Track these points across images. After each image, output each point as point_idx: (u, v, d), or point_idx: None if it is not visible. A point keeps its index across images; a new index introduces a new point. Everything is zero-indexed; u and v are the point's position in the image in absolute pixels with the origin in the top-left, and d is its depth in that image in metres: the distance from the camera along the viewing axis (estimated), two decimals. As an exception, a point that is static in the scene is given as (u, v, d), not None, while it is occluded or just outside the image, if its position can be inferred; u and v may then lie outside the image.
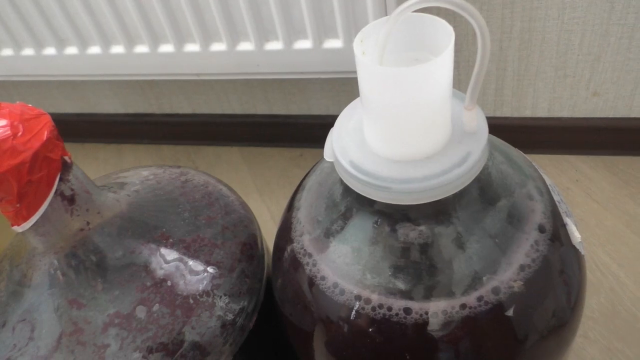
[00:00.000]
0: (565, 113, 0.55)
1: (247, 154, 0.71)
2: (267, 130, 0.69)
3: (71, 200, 0.26)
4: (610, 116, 0.54)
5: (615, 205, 0.53)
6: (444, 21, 0.20)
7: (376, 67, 0.20)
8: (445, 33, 0.20)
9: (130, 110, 0.74)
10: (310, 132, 0.65)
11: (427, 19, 0.21)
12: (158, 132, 0.75)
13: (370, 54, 0.22)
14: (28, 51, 0.55)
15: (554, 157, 0.58)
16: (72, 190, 0.26)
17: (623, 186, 0.54)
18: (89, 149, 0.78)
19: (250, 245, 0.33)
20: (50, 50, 0.55)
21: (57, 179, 0.25)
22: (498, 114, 0.58)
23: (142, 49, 0.51)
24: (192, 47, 0.50)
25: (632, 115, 0.54)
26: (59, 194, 0.26)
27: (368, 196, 0.24)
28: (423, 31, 0.21)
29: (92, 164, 0.75)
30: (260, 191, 0.66)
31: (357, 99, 0.26)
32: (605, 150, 0.57)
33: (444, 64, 0.20)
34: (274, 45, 0.47)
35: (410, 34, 0.22)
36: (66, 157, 0.26)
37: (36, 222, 0.25)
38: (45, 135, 0.24)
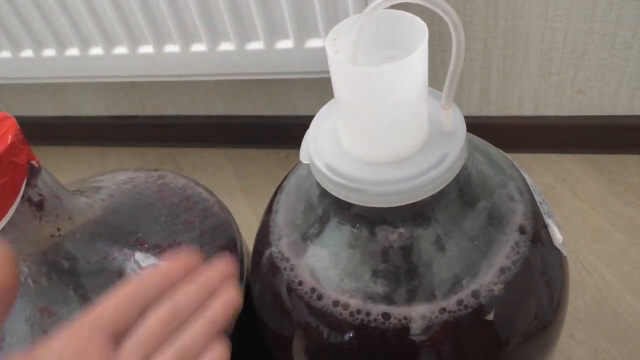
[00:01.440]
0: (550, 111, 0.55)
1: (232, 155, 0.71)
2: (252, 131, 0.69)
3: (39, 205, 0.25)
4: (596, 114, 0.54)
5: (601, 203, 0.53)
6: (418, 18, 0.20)
7: (348, 65, 0.20)
8: (419, 30, 0.20)
9: (114, 113, 0.73)
10: (296, 133, 0.65)
11: (401, 16, 0.20)
12: (142, 135, 0.74)
13: (343, 52, 0.21)
14: (5, 54, 0.54)
15: (540, 155, 0.58)
16: (40, 195, 0.25)
17: (609, 185, 0.54)
18: (72, 153, 0.77)
19: (229, 249, 0.32)
20: (27, 53, 0.54)
21: (24, 184, 0.24)
22: (484, 113, 0.57)
23: (121, 50, 0.50)
24: (172, 48, 0.49)
25: (617, 113, 0.54)
26: (27, 199, 0.25)
27: (344, 199, 0.23)
28: (397, 29, 0.21)
29: (74, 167, 0.74)
30: (245, 193, 0.65)
31: (333, 100, 0.25)
32: (591, 148, 0.57)
33: (417, 62, 0.19)
34: (255, 45, 0.47)
35: (385, 32, 0.21)
36: (33, 162, 0.25)
37: (3, 228, 0.24)
38: (9, 139, 0.23)
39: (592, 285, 0.47)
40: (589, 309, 0.45)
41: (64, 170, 0.73)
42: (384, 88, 0.19)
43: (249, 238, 0.35)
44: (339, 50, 0.21)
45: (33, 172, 0.25)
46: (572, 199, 0.54)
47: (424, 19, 0.20)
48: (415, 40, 0.20)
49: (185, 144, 0.73)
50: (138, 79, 0.53)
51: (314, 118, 0.25)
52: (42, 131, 0.76)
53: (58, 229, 0.27)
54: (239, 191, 0.66)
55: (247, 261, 0.34)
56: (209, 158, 0.71)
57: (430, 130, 0.23)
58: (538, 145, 0.58)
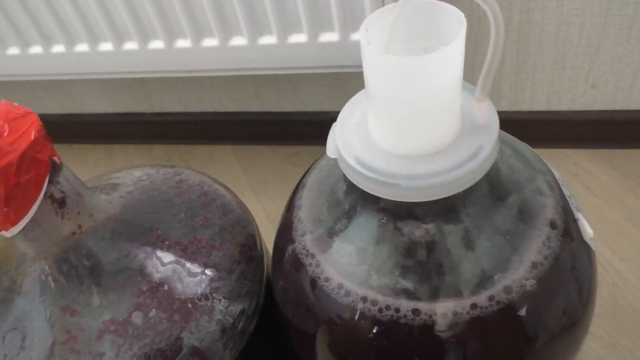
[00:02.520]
0: (563, 106, 0.55)
1: (240, 152, 0.70)
2: (260, 128, 0.68)
3: (62, 202, 0.25)
4: (609, 109, 0.54)
5: (615, 198, 0.52)
6: (454, 7, 0.19)
7: (382, 56, 0.19)
8: (456, 20, 0.19)
9: (120, 110, 0.72)
10: (305, 129, 0.64)
11: (436, 5, 0.20)
12: (148, 132, 0.73)
13: (376, 43, 0.21)
14: (13, 50, 0.54)
15: (552, 151, 0.58)
16: (62, 192, 0.25)
17: (622, 179, 0.54)
18: (78, 151, 0.77)
19: (249, 246, 0.32)
20: (36, 49, 0.53)
21: (46, 181, 0.24)
22: (496, 107, 0.57)
23: (131, 45, 0.50)
24: (183, 43, 0.49)
25: (631, 108, 0.53)
26: (49, 196, 0.24)
27: (374, 193, 0.23)
28: (433, 19, 0.20)
29: (81, 165, 0.74)
30: (254, 190, 0.65)
31: (360, 92, 0.25)
32: (604, 143, 0.56)
33: (454, 53, 0.19)
34: (268, 40, 0.46)
35: (419, 22, 0.21)
36: (55, 158, 0.24)
37: (25, 226, 0.24)
38: (32, 135, 0.22)
39: (608, 281, 0.46)
40: (606, 304, 0.45)
41: (70, 168, 0.73)
42: (421, 79, 0.19)
43: (262, 234, 0.35)
44: (372, 40, 0.20)
45: (55, 168, 0.24)
46: (585, 194, 0.53)
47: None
48: (450, 30, 0.20)
49: (192, 140, 0.72)
50: (148, 76, 0.53)
51: (341, 111, 0.25)
52: (47, 129, 0.76)
53: (79, 226, 0.26)
54: (247, 188, 0.65)
55: (267, 258, 0.34)
56: (216, 155, 0.71)
57: (464, 124, 0.22)
58: (550, 140, 0.57)
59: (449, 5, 0.19)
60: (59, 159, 0.25)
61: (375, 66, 0.20)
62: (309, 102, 0.64)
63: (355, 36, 0.43)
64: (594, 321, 0.44)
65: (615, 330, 0.44)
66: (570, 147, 0.57)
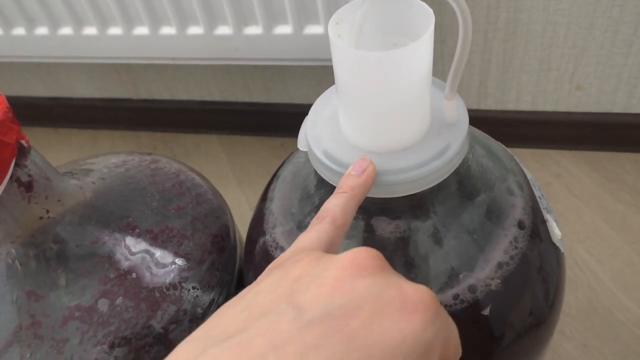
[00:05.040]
0: (548, 107, 0.55)
1: (226, 142, 0.70)
2: (247, 118, 0.68)
3: (28, 186, 0.25)
4: (593, 111, 0.54)
5: (595, 201, 0.52)
6: (423, 4, 0.19)
7: (351, 50, 0.19)
8: (425, 16, 0.19)
9: (106, 95, 0.72)
10: (292, 121, 0.64)
11: (405, 1, 0.19)
12: (135, 119, 0.73)
13: (346, 37, 0.20)
14: (-3, 31, 0.53)
15: (536, 151, 0.58)
16: (29, 176, 0.25)
17: (604, 182, 0.54)
18: (63, 135, 0.76)
19: (222, 237, 0.32)
20: (19, 30, 0.52)
21: (12, 164, 0.23)
22: (482, 106, 0.57)
23: (115, 30, 0.49)
24: (167, 30, 0.48)
25: (615, 111, 0.53)
26: (15, 179, 0.24)
27: (342, 188, 0.22)
28: (402, 14, 0.20)
29: (65, 150, 0.73)
30: (239, 180, 0.65)
31: (334, 86, 0.25)
32: (587, 145, 0.56)
33: (422, 49, 0.19)
34: (253, 30, 0.46)
35: (389, 17, 0.20)
36: (23, 142, 0.24)
37: (-10, 209, 0.24)
38: (-2, 116, 0.22)
39: (584, 282, 0.47)
40: (580, 305, 0.45)
41: (54, 152, 0.72)
42: (387, 75, 0.19)
43: (241, 226, 0.35)
44: (342, 34, 0.20)
45: (22, 152, 0.24)
46: (566, 195, 0.54)
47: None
48: (420, 26, 0.20)
49: (178, 129, 0.72)
50: (132, 61, 0.52)
51: (314, 104, 0.24)
52: (33, 112, 0.75)
53: (47, 211, 0.26)
54: (232, 178, 0.65)
55: (240, 249, 0.34)
56: (202, 144, 0.70)
57: (433, 121, 0.22)
58: (534, 140, 0.57)
59: (418, 0, 0.19)
60: (28, 142, 0.24)
61: (344, 60, 0.20)
62: (297, 95, 0.64)
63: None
64: (567, 322, 0.45)
65: (588, 332, 0.44)
66: (553, 148, 0.57)
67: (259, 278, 0.18)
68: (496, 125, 0.57)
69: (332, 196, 0.20)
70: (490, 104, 0.57)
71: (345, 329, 0.14)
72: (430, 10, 0.19)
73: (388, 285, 0.15)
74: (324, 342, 0.14)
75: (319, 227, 0.19)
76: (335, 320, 0.14)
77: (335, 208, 0.19)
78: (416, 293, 0.15)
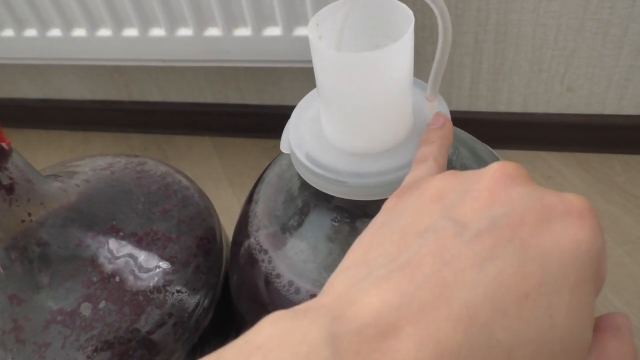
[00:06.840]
0: (540, 109, 0.55)
1: (219, 144, 0.69)
2: (239, 120, 0.68)
3: (9, 189, 0.25)
4: (584, 112, 0.54)
5: (586, 202, 0.52)
6: (404, 5, 0.19)
7: (331, 52, 0.19)
8: (405, 18, 0.19)
9: (98, 97, 0.71)
10: (284, 123, 0.64)
11: (386, 2, 0.19)
12: (127, 120, 0.72)
13: (327, 38, 0.20)
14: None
15: (527, 153, 0.58)
16: (10, 178, 0.24)
17: (595, 183, 0.54)
18: (54, 136, 0.76)
19: (208, 239, 0.32)
20: (8, 32, 0.52)
21: (-7, 167, 0.23)
22: (473, 108, 0.57)
23: (104, 32, 0.49)
24: (157, 32, 0.48)
25: (606, 112, 0.53)
26: (-5, 182, 0.24)
27: (324, 191, 0.22)
28: (383, 16, 0.20)
29: (57, 151, 0.73)
30: (231, 182, 0.64)
31: (317, 89, 0.25)
32: (578, 147, 0.56)
33: (402, 50, 0.19)
34: (243, 32, 0.46)
35: (370, 18, 0.20)
36: (3, 144, 0.24)
37: (-30, 212, 0.24)
38: (-24, 119, 0.22)
39: (575, 283, 0.47)
40: (571, 307, 0.45)
41: (44, 154, 0.72)
42: (368, 76, 0.19)
43: (232, 228, 0.35)
44: (323, 36, 0.20)
45: (3, 154, 0.24)
46: (558, 197, 0.53)
47: (414, 11, 0.19)
48: (400, 27, 0.20)
49: (171, 131, 0.72)
50: (122, 63, 0.52)
51: (296, 106, 0.24)
52: (24, 114, 0.75)
53: (29, 214, 0.26)
54: (224, 180, 0.65)
55: (227, 252, 0.33)
56: (195, 146, 0.70)
57: (415, 123, 0.22)
58: (526, 142, 0.57)
59: (398, 2, 0.19)
60: (9, 144, 0.24)
61: (324, 62, 0.20)
62: (289, 97, 0.64)
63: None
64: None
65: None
66: (545, 149, 0.57)
67: (380, 213, 0.17)
68: (488, 126, 0.57)
69: (423, 146, 0.20)
70: (481, 106, 0.57)
71: (515, 238, 0.13)
72: (410, 12, 0.19)
73: (544, 192, 0.15)
74: (497, 253, 0.13)
75: (425, 165, 0.18)
76: (502, 230, 0.14)
77: (433, 150, 0.19)
78: (579, 200, 0.15)
